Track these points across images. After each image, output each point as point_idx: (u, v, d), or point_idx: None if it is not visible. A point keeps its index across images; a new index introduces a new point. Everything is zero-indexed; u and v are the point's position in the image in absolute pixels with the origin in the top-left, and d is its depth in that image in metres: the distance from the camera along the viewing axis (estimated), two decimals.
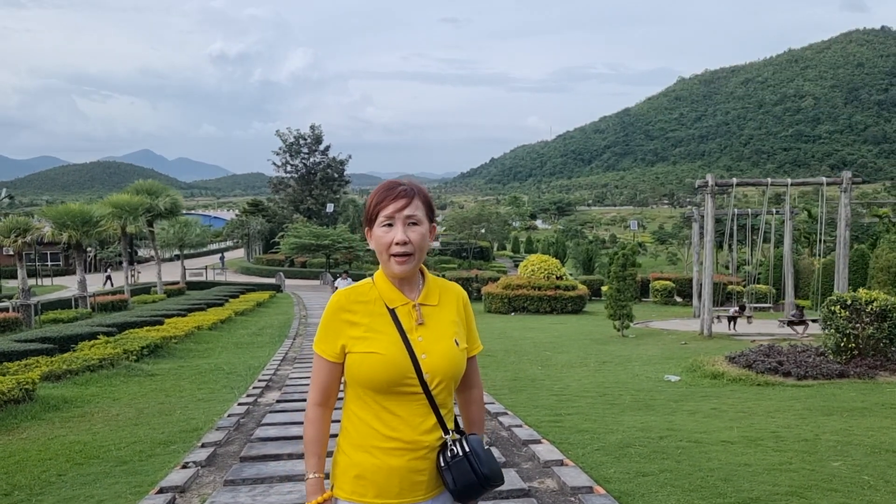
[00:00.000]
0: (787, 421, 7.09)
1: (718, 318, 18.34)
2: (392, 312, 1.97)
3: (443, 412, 1.98)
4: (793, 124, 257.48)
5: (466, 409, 2.18)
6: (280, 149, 66.99)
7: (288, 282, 45.75)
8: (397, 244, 1.93)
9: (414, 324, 1.97)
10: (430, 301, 2.04)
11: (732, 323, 17.89)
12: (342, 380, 2.01)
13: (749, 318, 18.66)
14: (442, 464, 1.95)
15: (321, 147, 67.40)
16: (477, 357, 2.19)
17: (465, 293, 2.19)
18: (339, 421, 2.05)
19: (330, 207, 60.48)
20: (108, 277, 42.48)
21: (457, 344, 2.02)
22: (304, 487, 1.97)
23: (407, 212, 1.94)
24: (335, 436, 2.02)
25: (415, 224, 1.96)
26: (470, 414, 2.19)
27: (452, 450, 1.96)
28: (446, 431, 1.99)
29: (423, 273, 2.07)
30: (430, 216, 2.02)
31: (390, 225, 1.94)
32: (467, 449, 1.96)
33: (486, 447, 2.02)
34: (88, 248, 43.29)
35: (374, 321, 1.95)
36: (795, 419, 7.18)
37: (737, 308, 18.52)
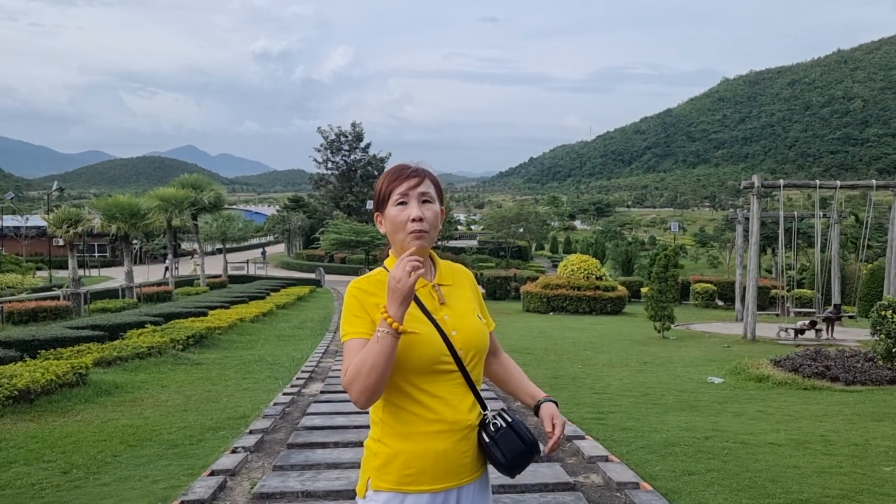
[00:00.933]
0: (835, 425, 6.97)
1: (786, 330, 17.06)
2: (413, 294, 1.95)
3: (477, 388, 1.98)
4: (841, 127, 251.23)
5: (505, 370, 2.18)
6: (321, 145, 67.68)
7: (328, 277, 46.23)
8: (413, 220, 1.92)
9: (437, 304, 1.97)
10: (445, 281, 2.04)
11: (798, 336, 16.46)
12: None
13: (819, 331, 17.03)
14: (486, 439, 1.93)
15: (362, 144, 67.94)
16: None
17: (471, 273, 2.20)
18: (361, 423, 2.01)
19: (370, 204, 60.79)
20: (167, 268, 43.18)
21: (479, 318, 2.04)
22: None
23: (421, 189, 1.95)
24: (363, 427, 1.97)
25: (428, 202, 1.96)
26: (511, 370, 2.19)
27: (495, 423, 1.94)
28: (484, 408, 1.98)
29: (432, 257, 2.07)
30: (440, 198, 2.02)
31: (404, 203, 1.94)
32: (509, 419, 1.95)
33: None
34: (135, 241, 44.24)
35: None
36: (844, 424, 7.05)
37: (806, 322, 16.96)
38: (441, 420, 1.90)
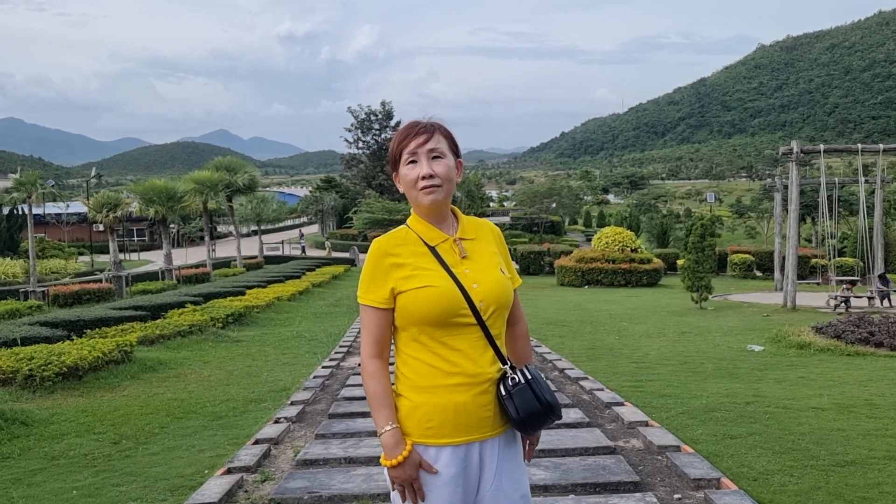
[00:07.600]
0: (880, 390, 6.85)
1: (836, 298, 16.14)
2: (433, 250, 1.97)
3: (498, 343, 1.97)
4: (882, 91, 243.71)
5: (513, 344, 2.14)
6: (352, 125, 67.74)
7: (361, 256, 46.55)
8: (423, 178, 1.93)
9: (458, 258, 1.97)
10: (467, 235, 2.04)
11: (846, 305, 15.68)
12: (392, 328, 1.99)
13: (871, 299, 16.75)
14: (503, 393, 1.93)
15: (392, 123, 67.83)
16: (518, 295, 2.15)
17: (497, 228, 2.17)
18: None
19: None
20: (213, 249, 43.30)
21: (503, 272, 2.02)
22: (382, 442, 1.90)
23: (429, 146, 1.94)
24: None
25: (439, 157, 1.95)
26: (517, 349, 2.15)
27: (514, 378, 1.94)
28: (504, 362, 1.98)
29: (454, 212, 2.07)
30: (455, 151, 2.01)
31: (414, 161, 1.95)
32: (529, 376, 1.94)
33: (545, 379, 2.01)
34: (172, 224, 44.91)
35: (419, 260, 1.94)
36: (890, 388, 6.93)
37: (848, 289, 16.26)
38: (461, 373, 1.91)
